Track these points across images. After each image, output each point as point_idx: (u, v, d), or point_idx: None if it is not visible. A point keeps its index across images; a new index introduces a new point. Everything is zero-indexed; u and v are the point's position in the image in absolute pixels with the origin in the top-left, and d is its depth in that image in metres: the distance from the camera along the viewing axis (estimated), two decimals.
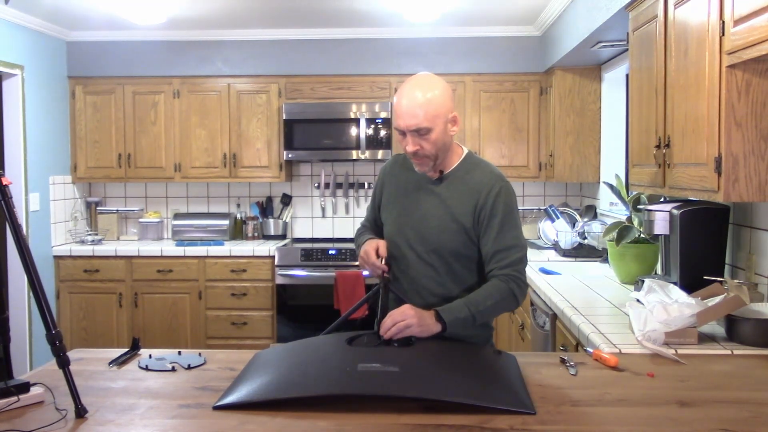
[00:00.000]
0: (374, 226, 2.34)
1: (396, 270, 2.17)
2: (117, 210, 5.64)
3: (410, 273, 2.15)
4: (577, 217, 4.84)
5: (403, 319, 1.93)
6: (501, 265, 2.06)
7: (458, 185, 2.13)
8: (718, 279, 2.44)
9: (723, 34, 2.10)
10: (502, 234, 2.07)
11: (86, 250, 5.12)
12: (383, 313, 2.04)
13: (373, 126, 5.09)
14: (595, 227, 4.48)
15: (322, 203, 5.61)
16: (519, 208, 5.58)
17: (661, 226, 2.88)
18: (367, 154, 5.08)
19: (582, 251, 4.46)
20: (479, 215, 2.09)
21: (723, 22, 2.10)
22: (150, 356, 2.08)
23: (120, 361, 2.04)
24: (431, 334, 1.95)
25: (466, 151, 2.20)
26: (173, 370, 1.97)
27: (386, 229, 2.23)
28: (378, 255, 2.10)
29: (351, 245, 4.99)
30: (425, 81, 2.04)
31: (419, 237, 2.13)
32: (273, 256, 5.00)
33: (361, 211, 5.56)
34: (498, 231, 2.07)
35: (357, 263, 4.76)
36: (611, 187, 3.75)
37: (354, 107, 5.12)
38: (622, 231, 3.32)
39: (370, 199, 2.40)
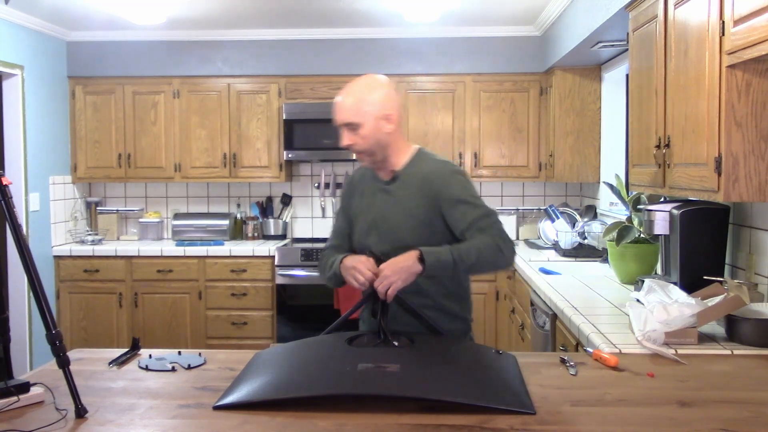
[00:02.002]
0: (346, 243, 2.33)
1: None
2: (117, 210, 5.64)
3: None
4: (577, 217, 4.84)
5: (389, 283, 1.97)
6: (482, 227, 2.08)
7: (410, 180, 2.17)
8: (718, 279, 2.44)
9: (723, 34, 2.11)
10: (469, 209, 2.10)
11: (86, 250, 5.12)
12: (383, 314, 2.04)
13: None
14: (595, 227, 4.48)
15: (322, 203, 5.61)
16: (519, 207, 5.59)
17: (661, 226, 2.88)
18: None
19: (582, 251, 4.46)
20: (437, 202, 2.12)
21: (723, 22, 2.10)
22: (150, 356, 2.08)
23: (120, 361, 2.04)
24: (415, 275, 1.99)
25: (416, 147, 2.25)
26: (173, 370, 1.97)
27: (354, 239, 2.27)
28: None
29: None
30: (363, 81, 2.16)
31: (382, 239, 2.17)
32: (273, 256, 5.00)
33: None
34: (465, 208, 2.10)
35: None
36: (611, 187, 3.75)
37: None
38: (622, 231, 3.32)
39: (335, 217, 2.41)
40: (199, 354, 2.12)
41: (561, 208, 4.98)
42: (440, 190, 2.12)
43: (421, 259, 1.99)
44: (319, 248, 5.01)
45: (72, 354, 2.02)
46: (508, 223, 5.41)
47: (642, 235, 3.30)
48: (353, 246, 2.28)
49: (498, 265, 2.14)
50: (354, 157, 2.23)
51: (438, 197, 2.12)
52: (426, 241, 2.09)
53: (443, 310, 2.19)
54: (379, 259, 2.07)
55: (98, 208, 5.60)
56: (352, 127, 2.11)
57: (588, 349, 2.15)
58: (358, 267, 2.05)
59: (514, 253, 2.13)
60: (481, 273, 2.21)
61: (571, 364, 1.96)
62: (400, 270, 1.99)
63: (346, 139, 2.13)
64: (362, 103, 2.10)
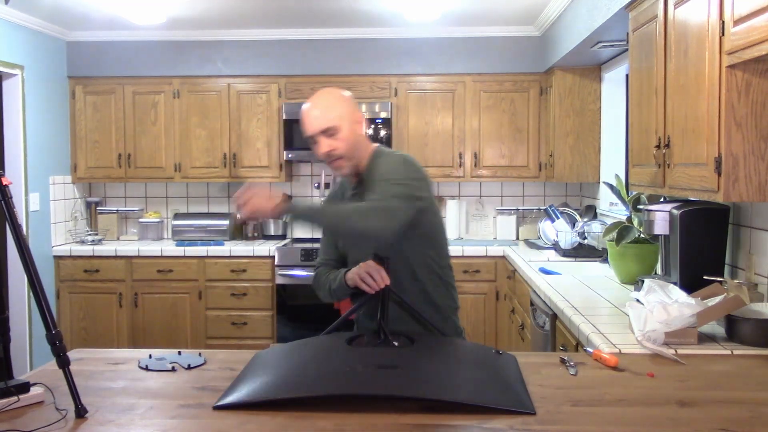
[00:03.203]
0: (331, 255, 2.34)
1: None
2: (117, 210, 5.64)
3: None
4: (577, 217, 4.84)
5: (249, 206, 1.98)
6: (377, 191, 2.04)
7: (369, 181, 2.17)
8: (718, 279, 2.44)
9: (723, 34, 2.10)
10: (386, 185, 2.05)
11: (86, 250, 5.12)
12: (383, 314, 2.04)
13: (373, 126, 5.09)
14: (595, 227, 4.48)
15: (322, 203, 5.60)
16: (519, 207, 5.58)
17: (661, 226, 2.88)
18: None
19: (582, 251, 4.46)
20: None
21: (723, 22, 2.10)
22: (150, 356, 2.08)
23: None
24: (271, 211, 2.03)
25: (374, 147, 2.25)
26: (173, 370, 1.97)
27: (341, 249, 2.31)
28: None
29: None
30: (325, 92, 2.20)
31: (354, 243, 2.20)
32: (273, 256, 5.00)
33: None
34: (384, 184, 2.05)
35: None
36: (611, 187, 3.75)
37: None
38: (622, 231, 3.32)
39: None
40: (199, 354, 2.12)
41: (561, 208, 4.99)
42: (375, 176, 2.12)
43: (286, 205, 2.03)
44: (318, 248, 4.99)
45: (72, 354, 2.02)
46: (509, 223, 5.42)
47: (642, 235, 3.30)
48: (341, 256, 2.29)
49: (370, 225, 1.96)
50: (328, 166, 2.19)
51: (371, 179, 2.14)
52: (399, 240, 2.04)
53: (431, 302, 2.21)
54: (384, 261, 2.08)
55: (98, 208, 5.60)
56: (330, 132, 2.11)
57: (588, 349, 2.15)
58: (362, 266, 2.07)
59: (390, 220, 1.96)
60: (345, 233, 2.14)
61: (571, 364, 1.96)
62: (260, 199, 2.00)
63: (325, 146, 2.12)
64: (334, 109, 2.13)
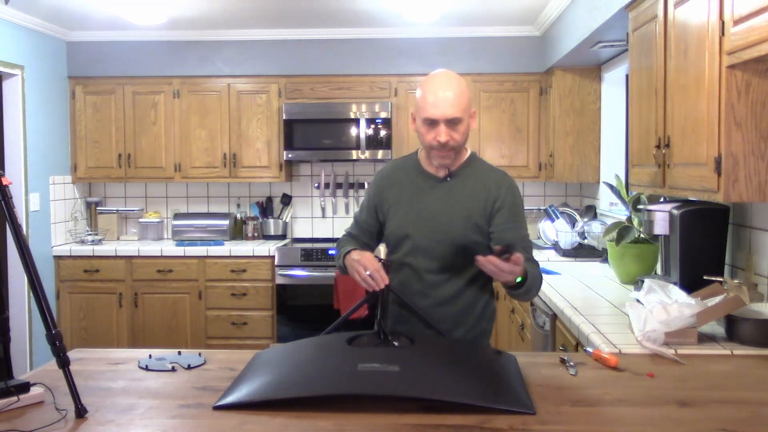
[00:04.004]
0: (364, 235, 2.32)
1: (399, 270, 2.19)
2: (117, 210, 5.64)
3: (417, 270, 2.17)
4: (577, 217, 4.84)
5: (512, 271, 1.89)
6: (527, 250, 2.12)
7: (467, 181, 2.18)
8: (718, 279, 2.43)
9: (723, 34, 2.11)
10: (518, 224, 2.15)
11: (86, 250, 5.12)
12: (383, 314, 2.04)
13: (373, 126, 5.09)
14: (595, 227, 4.48)
15: (322, 203, 5.61)
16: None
17: (660, 226, 2.88)
18: (367, 154, 5.08)
19: (582, 251, 4.46)
20: (492, 206, 2.14)
21: (723, 22, 2.10)
22: (150, 356, 2.08)
23: None
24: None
25: (470, 151, 2.26)
26: (173, 370, 1.97)
27: (390, 229, 2.23)
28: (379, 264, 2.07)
29: None
30: (454, 76, 2.11)
31: (428, 232, 2.15)
32: (273, 256, 5.00)
33: None
34: (515, 220, 2.14)
35: None
36: (611, 187, 3.75)
37: (354, 107, 5.12)
38: (622, 231, 3.32)
39: (360, 208, 2.38)
40: (199, 354, 2.12)
41: (561, 208, 4.99)
42: (498, 195, 2.14)
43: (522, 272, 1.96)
44: (318, 248, 5.01)
45: (72, 354, 2.02)
46: None
47: (642, 235, 3.30)
48: (386, 235, 2.26)
49: (532, 297, 2.19)
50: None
51: (495, 201, 2.14)
52: (469, 243, 2.11)
53: (480, 332, 2.24)
54: (385, 264, 2.08)
55: (98, 208, 5.60)
56: (455, 122, 2.05)
57: (588, 349, 2.15)
58: (362, 261, 2.05)
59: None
60: (521, 298, 2.16)
61: (571, 364, 1.96)
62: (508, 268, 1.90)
63: (445, 134, 2.06)
64: (463, 98, 2.07)
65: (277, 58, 5.28)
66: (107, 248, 5.11)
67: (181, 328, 5.05)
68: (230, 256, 5.04)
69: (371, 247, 2.32)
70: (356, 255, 2.10)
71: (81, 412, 1.58)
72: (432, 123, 2.07)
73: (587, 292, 3.23)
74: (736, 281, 2.42)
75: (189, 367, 1.99)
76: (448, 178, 2.19)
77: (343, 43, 5.25)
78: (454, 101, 2.04)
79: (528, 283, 2.01)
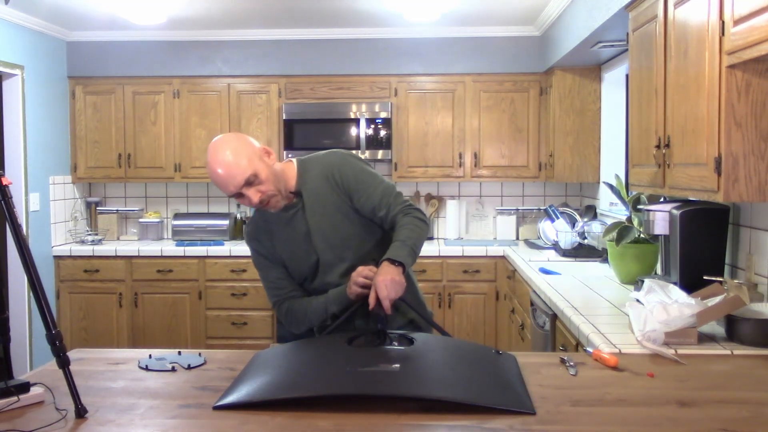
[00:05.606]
0: (291, 285, 2.29)
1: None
2: (117, 210, 5.64)
3: (330, 284, 2.20)
4: (577, 217, 4.84)
5: (387, 295, 1.98)
6: (392, 206, 2.17)
7: (313, 189, 2.17)
8: (718, 279, 2.43)
9: (723, 34, 2.11)
10: (370, 187, 2.17)
11: (86, 250, 5.12)
12: (383, 315, 2.04)
13: (373, 126, 5.10)
14: (595, 227, 4.48)
15: None
16: (518, 207, 5.59)
17: (660, 226, 2.88)
18: (367, 154, 5.08)
19: (582, 251, 4.46)
20: (346, 194, 2.17)
21: (723, 22, 2.10)
22: (150, 356, 2.08)
23: None
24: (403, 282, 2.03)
25: (296, 162, 2.23)
26: (173, 370, 1.97)
27: (294, 273, 2.26)
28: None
29: None
30: (219, 145, 2.03)
31: (339, 251, 2.18)
32: None
33: None
34: (365, 187, 2.17)
35: None
36: (611, 187, 3.75)
37: (354, 107, 5.12)
38: (622, 231, 3.32)
39: (261, 272, 2.34)
40: (199, 354, 2.12)
41: (561, 208, 4.99)
42: (339, 179, 2.16)
43: (397, 263, 2.03)
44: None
45: (72, 354, 2.02)
46: (509, 223, 5.42)
47: (642, 235, 3.30)
48: (298, 277, 2.26)
49: (425, 236, 2.19)
50: (265, 210, 2.15)
51: (342, 185, 2.16)
52: (369, 228, 2.19)
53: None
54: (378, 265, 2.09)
55: (98, 208, 5.60)
56: (250, 180, 2.00)
57: (588, 349, 2.15)
58: (353, 276, 2.09)
59: (427, 217, 2.24)
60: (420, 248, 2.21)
61: (571, 364, 1.96)
62: (397, 283, 2.00)
63: (255, 195, 2.02)
64: (241, 156, 1.99)
65: (277, 58, 5.28)
66: (107, 248, 5.11)
67: (181, 328, 5.05)
68: (230, 256, 5.04)
69: (307, 291, 2.29)
70: (353, 276, 2.10)
71: (81, 412, 1.58)
72: (237, 197, 2.05)
73: (587, 292, 3.23)
74: (736, 281, 2.42)
75: (189, 367, 1.99)
76: (298, 201, 2.17)
77: (343, 43, 5.25)
78: (232, 172, 1.98)
79: (411, 253, 2.08)
